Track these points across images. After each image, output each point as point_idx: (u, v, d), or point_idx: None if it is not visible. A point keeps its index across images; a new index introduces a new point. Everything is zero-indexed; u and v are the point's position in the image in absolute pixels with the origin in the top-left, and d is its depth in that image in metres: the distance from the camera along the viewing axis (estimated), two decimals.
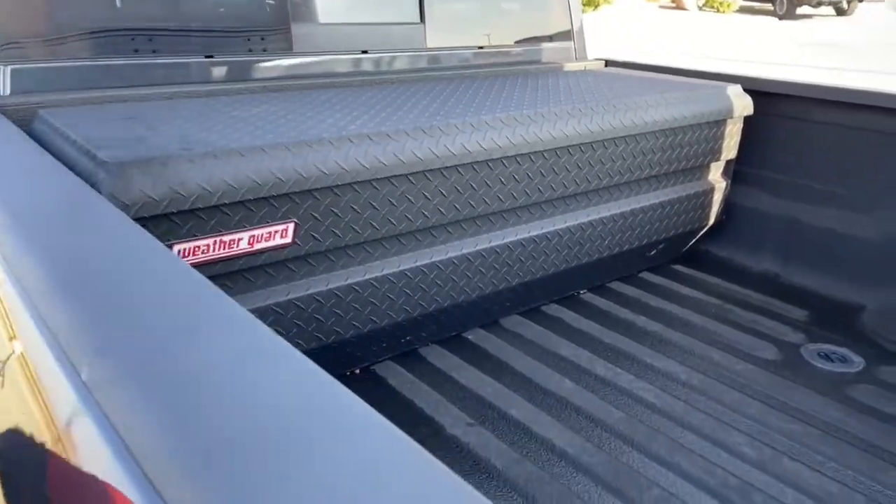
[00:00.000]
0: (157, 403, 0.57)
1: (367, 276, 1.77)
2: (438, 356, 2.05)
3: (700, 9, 22.23)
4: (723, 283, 2.60)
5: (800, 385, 1.95)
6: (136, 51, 1.98)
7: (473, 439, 1.69)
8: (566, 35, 3.09)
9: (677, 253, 2.79)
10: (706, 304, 2.43)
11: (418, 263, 1.88)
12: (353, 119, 1.78)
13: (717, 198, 2.69)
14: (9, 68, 1.79)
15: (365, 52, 2.46)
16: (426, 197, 1.81)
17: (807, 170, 2.57)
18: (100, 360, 0.64)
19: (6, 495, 0.93)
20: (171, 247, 1.42)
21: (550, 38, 3.05)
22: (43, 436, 0.75)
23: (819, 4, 19.78)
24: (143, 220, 1.34)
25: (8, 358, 0.84)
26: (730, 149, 2.62)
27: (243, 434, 0.53)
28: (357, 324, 1.81)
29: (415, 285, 1.89)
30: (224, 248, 1.50)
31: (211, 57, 2.11)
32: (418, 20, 2.61)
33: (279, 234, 1.58)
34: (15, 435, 0.85)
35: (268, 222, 1.55)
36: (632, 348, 2.13)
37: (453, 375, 1.96)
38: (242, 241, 1.53)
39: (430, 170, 1.78)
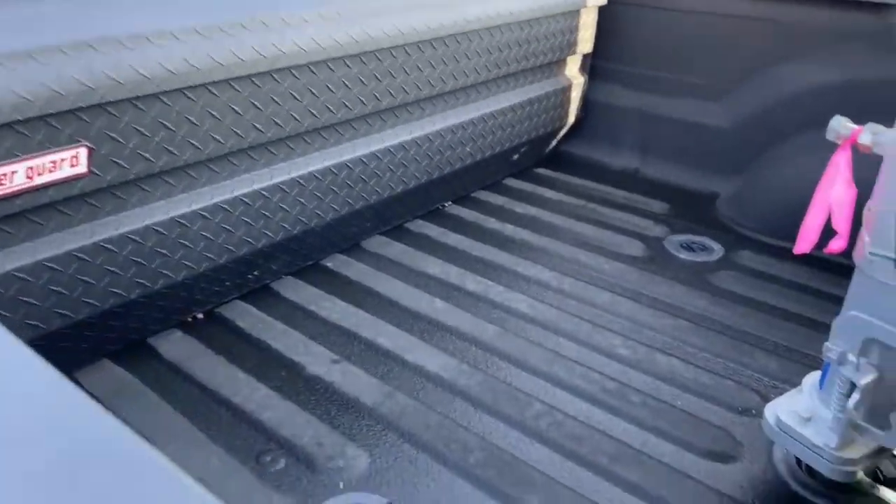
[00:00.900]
0: None
1: (193, 207, 1.50)
2: (294, 289, 1.84)
3: None
4: (585, 182, 2.55)
5: (667, 279, 1.94)
6: None
7: (339, 377, 1.52)
8: None
9: (539, 155, 2.70)
10: (571, 206, 2.37)
11: (256, 187, 1.63)
12: (152, 14, 1.44)
13: (576, 95, 2.60)
14: None
15: None
16: (256, 107, 1.54)
17: (660, 60, 2.52)
18: None
19: None
20: None
21: None
22: None
23: None
24: None
25: None
26: (585, 42, 2.51)
27: None
28: (189, 263, 1.54)
29: (255, 212, 1.64)
30: None
31: None
32: None
33: (68, 163, 1.26)
34: None
35: (50, 149, 1.23)
36: (501, 259, 2.02)
37: (312, 309, 1.76)
38: (17, 175, 1.20)
39: (257, 74, 1.50)
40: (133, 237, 1.40)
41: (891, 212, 1.02)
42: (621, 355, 1.61)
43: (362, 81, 1.77)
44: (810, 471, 1.26)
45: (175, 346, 1.60)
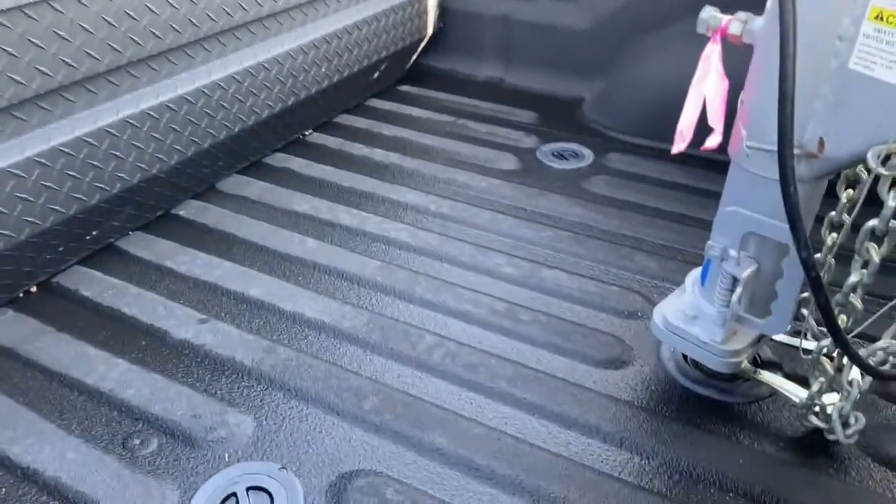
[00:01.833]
0: None
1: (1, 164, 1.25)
2: (143, 245, 1.63)
3: None
4: (451, 97, 2.45)
5: (543, 190, 1.90)
6: None
7: (210, 338, 1.37)
8: None
9: (400, 72, 2.55)
10: (440, 124, 2.27)
11: (78, 133, 1.38)
12: None
13: (433, 4, 2.45)
14: None
15: None
16: (61, 37, 1.28)
17: None
18: None
19: None
20: None
21: None
22: None
23: None
24: None
25: None
26: None
27: None
28: (7, 232, 1.30)
29: (82, 164, 1.40)
30: None
31: None
32: None
33: None
34: None
35: None
36: (374, 187, 1.90)
37: (168, 266, 1.57)
38: None
39: None
40: None
41: (764, 103, 1.00)
42: (507, 274, 1.57)
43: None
44: (697, 365, 1.30)
45: (8, 327, 1.38)
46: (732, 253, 1.10)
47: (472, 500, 1.07)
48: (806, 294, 1.06)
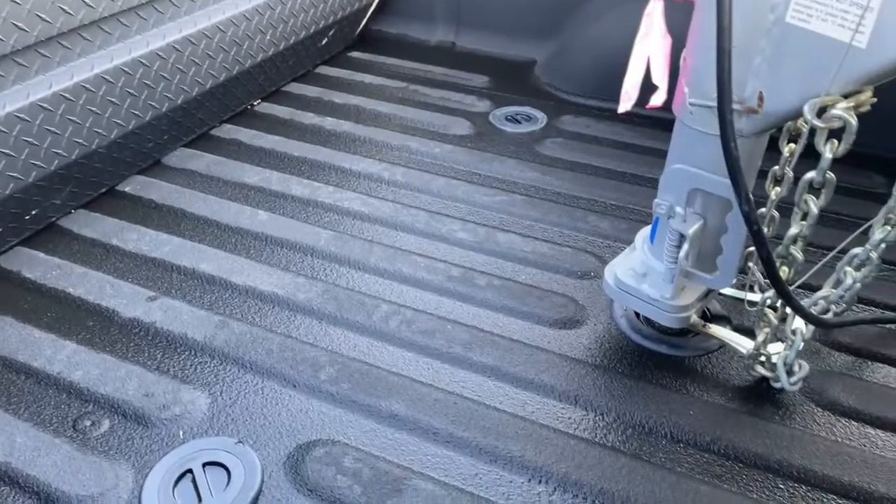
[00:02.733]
0: None
1: None
2: (88, 224, 1.58)
3: None
4: (403, 62, 2.41)
5: (497, 154, 1.90)
6: None
7: (160, 315, 1.34)
8: None
9: (350, 37, 2.49)
10: (392, 90, 2.23)
11: (10, 109, 1.32)
12: None
13: None
14: None
15: None
16: None
17: None
18: None
19: None
20: None
21: None
22: None
23: None
24: None
25: None
26: None
27: None
28: None
29: (14, 140, 1.35)
30: None
31: None
32: None
33: None
34: None
35: None
36: (326, 156, 1.87)
37: (115, 244, 1.52)
38: None
39: None
40: None
41: (704, 59, 1.00)
42: (462, 240, 1.57)
43: None
44: (649, 321, 1.32)
45: None
46: (679, 210, 1.12)
47: (429, 462, 1.08)
48: (752, 248, 1.08)
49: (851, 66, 0.86)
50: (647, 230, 1.28)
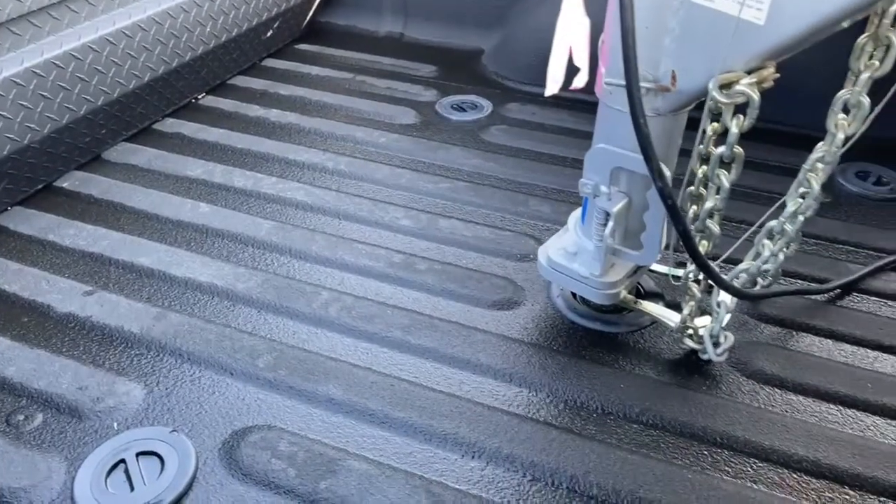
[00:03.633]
0: None
1: None
2: (24, 220, 1.56)
3: None
4: (350, 54, 2.41)
5: (442, 142, 1.92)
6: None
7: (97, 309, 1.33)
8: None
9: (297, 30, 2.48)
10: (339, 81, 2.23)
11: None
12: None
13: None
14: None
15: None
16: None
17: None
18: None
19: None
20: None
21: None
22: None
23: None
24: None
25: None
26: None
27: None
28: None
29: None
30: None
31: None
32: None
33: None
34: None
35: None
36: (270, 148, 1.87)
37: (51, 239, 1.51)
38: None
39: None
40: None
41: (617, 39, 1.03)
42: (404, 226, 1.58)
43: None
44: (585, 301, 1.35)
45: None
46: (604, 189, 1.15)
47: (365, 443, 1.09)
48: None
49: (752, 43, 0.90)
50: (579, 211, 1.31)
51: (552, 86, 1.19)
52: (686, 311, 1.20)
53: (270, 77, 2.24)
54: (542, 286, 1.41)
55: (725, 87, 0.92)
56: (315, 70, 2.30)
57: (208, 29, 1.94)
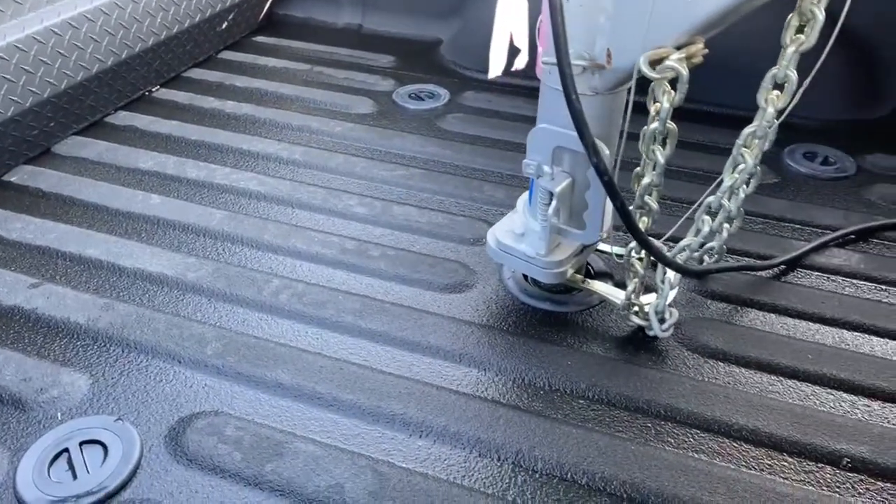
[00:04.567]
0: None
1: None
2: None
3: None
4: (308, 45, 2.40)
5: (398, 131, 1.92)
6: None
7: (42, 301, 1.31)
8: None
9: (253, 22, 2.47)
10: (296, 73, 2.22)
11: None
12: None
13: None
14: None
15: None
16: None
17: None
18: None
19: None
20: None
21: None
22: None
23: None
24: None
25: None
26: None
27: None
28: None
29: None
30: None
31: None
32: None
33: None
34: None
35: None
36: (224, 139, 1.85)
37: None
38: None
39: None
40: None
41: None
42: (358, 214, 1.59)
43: None
44: (536, 282, 1.37)
45: None
46: (546, 169, 1.16)
47: (313, 426, 1.09)
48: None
49: (679, 19, 0.92)
50: (527, 193, 1.32)
51: (495, 68, 1.20)
52: (630, 287, 1.22)
53: (227, 69, 2.22)
54: (494, 269, 1.43)
55: (656, 62, 0.94)
56: (272, 62, 2.28)
57: (159, 20, 1.92)
